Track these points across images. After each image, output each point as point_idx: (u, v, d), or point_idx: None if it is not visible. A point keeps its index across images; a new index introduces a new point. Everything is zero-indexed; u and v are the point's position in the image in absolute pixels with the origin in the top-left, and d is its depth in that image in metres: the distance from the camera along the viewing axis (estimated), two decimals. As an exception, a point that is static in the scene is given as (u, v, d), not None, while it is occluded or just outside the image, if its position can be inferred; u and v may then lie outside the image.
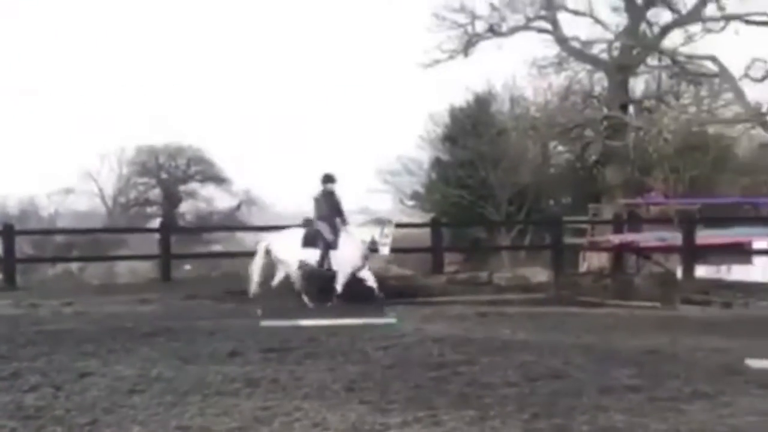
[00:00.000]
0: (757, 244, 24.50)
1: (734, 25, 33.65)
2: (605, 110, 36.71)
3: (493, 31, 36.02)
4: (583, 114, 38.03)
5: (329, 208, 19.11)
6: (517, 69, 39.41)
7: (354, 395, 9.33)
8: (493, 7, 35.87)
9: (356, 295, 18.73)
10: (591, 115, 37.73)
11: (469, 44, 35.73)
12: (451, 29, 35.77)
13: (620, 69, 36.18)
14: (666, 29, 35.88)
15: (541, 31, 36.29)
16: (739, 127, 38.39)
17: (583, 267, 28.76)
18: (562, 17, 36.23)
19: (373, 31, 69.62)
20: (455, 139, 38.20)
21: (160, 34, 69.75)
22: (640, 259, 27.74)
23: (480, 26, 35.94)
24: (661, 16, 36.41)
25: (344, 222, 19.18)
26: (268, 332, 13.79)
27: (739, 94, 33.10)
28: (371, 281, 18.96)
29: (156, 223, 42.48)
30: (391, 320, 15.49)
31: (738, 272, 23.28)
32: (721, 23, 34.15)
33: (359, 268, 18.94)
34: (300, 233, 19.24)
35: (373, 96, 70.04)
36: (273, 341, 12.71)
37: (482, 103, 38.83)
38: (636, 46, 36.24)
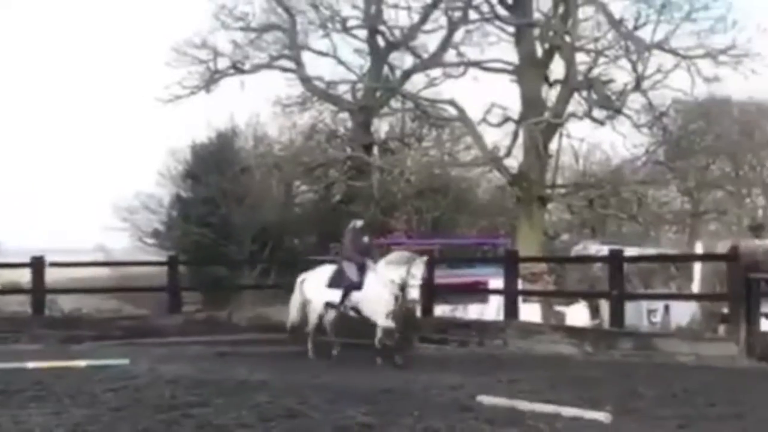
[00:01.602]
0: (493, 284, 25.04)
1: (473, 71, 34.69)
2: (349, 150, 37.05)
3: (236, 68, 35.78)
4: (327, 154, 38.23)
5: (355, 245, 17.78)
6: (261, 107, 39.28)
7: (78, 439, 8.72)
8: (236, 45, 35.67)
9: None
10: (335, 155, 37.97)
11: (211, 81, 35.33)
12: (193, 65, 35.30)
13: (363, 110, 36.64)
14: (408, 73, 36.61)
15: (285, 70, 36.30)
16: (478, 170, 39.57)
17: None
18: (307, 57, 36.41)
19: (109, 65, 68.00)
20: (197, 176, 37.53)
21: None
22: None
23: (222, 63, 35.65)
24: (404, 59, 37.20)
25: (373, 261, 17.66)
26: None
27: (478, 138, 34.07)
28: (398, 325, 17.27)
29: None
30: (124, 361, 14.95)
31: (474, 311, 23.77)
32: (461, 69, 35.10)
33: (391, 311, 17.16)
34: (330, 271, 18.06)
35: (111, 132, 68.46)
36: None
37: (225, 140, 38.37)
38: (379, 88, 36.78)
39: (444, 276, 24.42)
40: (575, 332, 19.15)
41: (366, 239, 18.19)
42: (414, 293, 17.28)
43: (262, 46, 36.13)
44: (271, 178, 38.35)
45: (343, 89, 36.95)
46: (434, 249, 29.21)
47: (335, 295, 17.65)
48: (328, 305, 17.91)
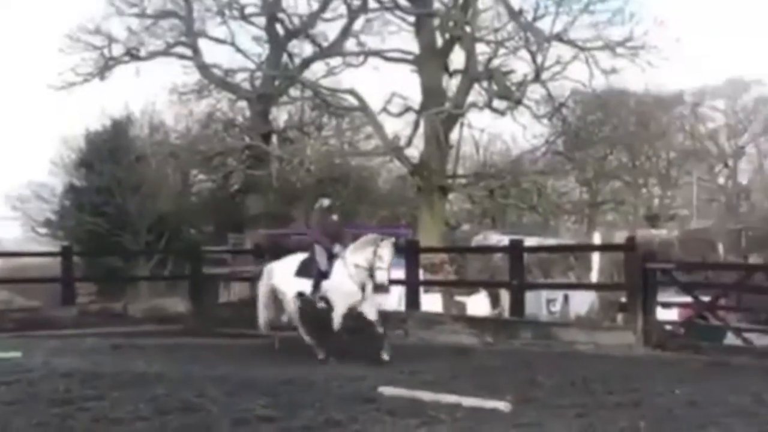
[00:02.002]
0: (394, 274, 25.00)
1: (373, 60, 34.59)
2: (247, 139, 36.62)
3: (132, 55, 35.15)
4: (224, 142, 37.80)
5: (323, 228, 16.58)
6: (157, 95, 38.69)
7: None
8: (131, 31, 35.02)
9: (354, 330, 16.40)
10: (232, 144, 37.55)
11: (105, 68, 34.65)
12: (87, 51, 34.55)
13: (262, 99, 36.28)
14: (308, 61, 36.37)
15: (181, 57, 35.75)
16: (378, 159, 39.54)
17: (223, 297, 28.42)
18: (204, 44, 35.90)
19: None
20: (91, 164, 36.79)
21: None
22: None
23: (117, 50, 34.99)
24: (303, 48, 36.94)
25: (343, 245, 16.24)
26: None
27: (378, 128, 33.98)
28: (372, 314, 16.03)
29: None
30: (16, 354, 14.51)
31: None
32: (361, 58, 35.00)
33: (358, 300, 15.91)
34: (299, 260, 16.70)
35: (1, 119, 66.51)
36: None
37: (119, 128, 37.66)
38: (278, 76, 36.46)
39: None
40: (476, 322, 19.23)
41: (335, 218, 16.80)
42: (383, 277, 15.75)
43: (158, 33, 35.59)
44: (168, 166, 37.86)
45: (241, 77, 36.59)
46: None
47: (306, 284, 16.30)
48: (300, 296, 16.49)
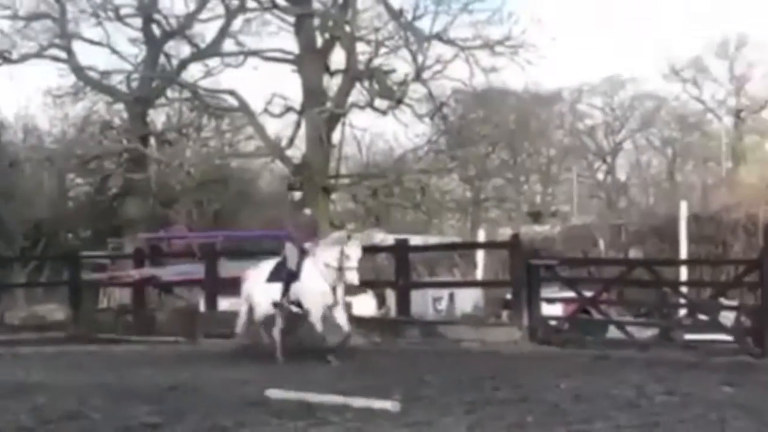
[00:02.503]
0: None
1: (253, 60, 34.30)
2: (125, 142, 35.93)
3: (4, 58, 34.22)
4: (101, 146, 37.13)
5: (295, 222, 15.38)
6: (31, 98, 37.75)
7: None
8: (3, 34, 34.15)
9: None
10: (110, 147, 36.88)
11: (-24, 71, 33.67)
12: (-44, 54, 33.56)
13: (139, 101, 35.61)
14: (185, 62, 35.87)
15: (55, 59, 34.92)
16: (260, 160, 39.23)
17: (103, 303, 27.91)
18: (79, 46, 35.13)
19: None
20: (-41, 171, 35.79)
21: None
22: (162, 294, 27.28)
23: (-12, 52, 34.00)
24: (181, 49, 36.39)
25: (315, 242, 15.07)
26: None
27: (259, 128, 33.73)
28: (341, 318, 15.01)
29: None
30: None
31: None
32: (240, 58, 34.68)
33: (331, 303, 14.81)
34: (272, 264, 15.54)
35: None
36: None
37: (-8, 134, 36.76)
38: (155, 78, 35.89)
39: (228, 269, 24.03)
40: (362, 322, 19.16)
41: (307, 212, 15.91)
42: (353, 277, 14.70)
43: (31, 35, 34.67)
44: (43, 171, 37.00)
45: (117, 79, 35.87)
46: (217, 242, 28.77)
47: (276, 290, 15.14)
48: (275, 305, 15.33)
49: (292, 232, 15.27)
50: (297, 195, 16.69)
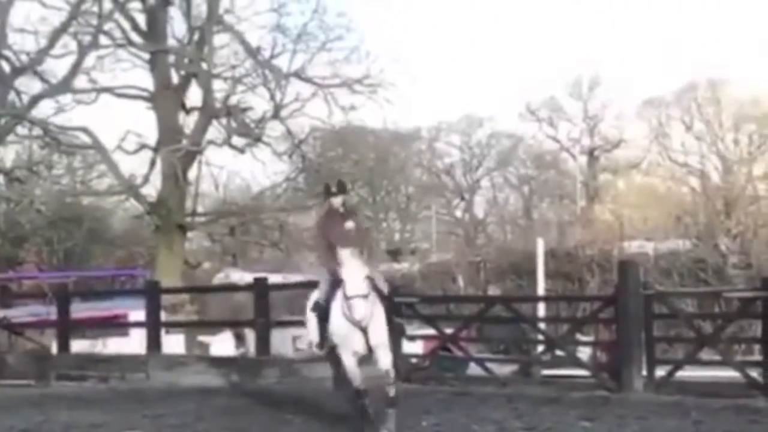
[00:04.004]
0: (134, 316, 24.31)
1: (106, 97, 33.62)
2: (-28, 181, 34.83)
3: None
4: (-52, 183, 35.84)
5: (331, 235, 11.32)
6: None
7: None
8: None
9: None
10: (-42, 185, 35.66)
11: None
12: None
13: (-12, 137, 34.54)
14: (36, 99, 34.86)
15: None
16: (113, 198, 38.42)
17: None
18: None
19: None
20: None
21: None
22: (12, 336, 26.44)
23: None
24: (31, 85, 35.37)
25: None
26: None
27: (113, 166, 33.10)
28: (385, 361, 11.03)
29: None
30: None
31: (115, 345, 23.05)
32: (93, 95, 33.96)
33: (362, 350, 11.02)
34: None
35: None
36: None
37: None
38: (4, 114, 34.81)
39: (81, 310, 23.45)
40: (221, 362, 18.91)
41: (351, 226, 11.24)
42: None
43: None
44: None
45: (-36, 116, 34.66)
46: (69, 282, 28.05)
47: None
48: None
49: (323, 254, 11.47)
50: (338, 201, 11.58)
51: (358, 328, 10.62)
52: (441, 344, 17.79)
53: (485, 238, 49.56)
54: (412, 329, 18.66)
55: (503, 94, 74.59)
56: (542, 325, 19.09)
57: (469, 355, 18.20)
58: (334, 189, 11.61)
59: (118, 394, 16.70)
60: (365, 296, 10.52)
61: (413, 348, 18.44)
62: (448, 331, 17.56)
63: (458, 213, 54.64)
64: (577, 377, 16.27)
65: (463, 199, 54.34)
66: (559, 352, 17.05)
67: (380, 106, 32.67)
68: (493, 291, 28.91)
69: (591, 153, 52.89)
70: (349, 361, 10.97)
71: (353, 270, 10.61)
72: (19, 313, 26.86)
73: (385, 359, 10.99)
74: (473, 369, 17.81)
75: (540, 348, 18.08)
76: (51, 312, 23.31)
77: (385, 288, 11.36)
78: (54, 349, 21.86)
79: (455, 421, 11.84)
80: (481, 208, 54.63)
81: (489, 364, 17.27)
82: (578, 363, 16.67)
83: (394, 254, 39.78)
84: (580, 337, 18.85)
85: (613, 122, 52.58)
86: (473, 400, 14.22)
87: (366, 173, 43.78)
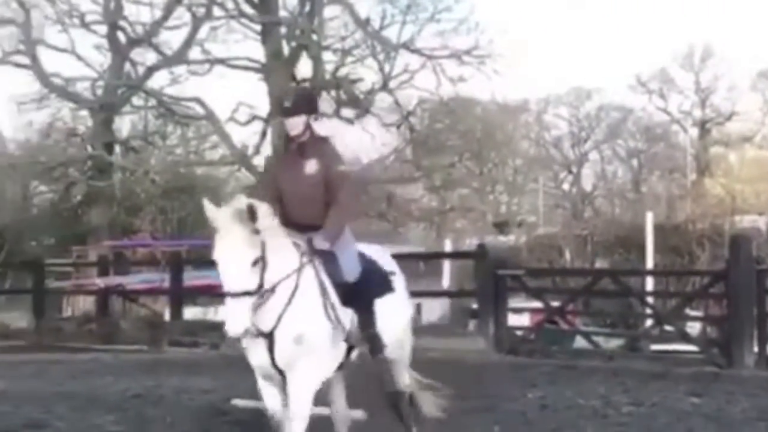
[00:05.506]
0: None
1: (219, 68, 34.11)
2: (89, 149, 35.70)
3: (-33, 63, 33.91)
4: (66, 153, 36.89)
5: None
6: (-4, 104, 37.65)
7: None
8: (-34, 39, 33.76)
9: None
10: (74, 155, 36.67)
11: (-61, 76, 33.37)
12: None
13: (104, 108, 35.38)
14: (151, 69, 35.59)
15: (19, 65, 34.58)
16: (225, 168, 39.06)
17: (67, 311, 27.72)
18: (44, 53, 34.82)
19: None
20: (-75, 177, 35.59)
21: None
22: (126, 302, 27.16)
23: (-49, 58, 33.64)
24: (146, 56, 36.14)
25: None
26: None
27: (225, 137, 33.59)
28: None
29: None
30: None
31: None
32: (206, 66, 34.47)
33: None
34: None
35: None
36: None
37: (-46, 140, 36.51)
38: (120, 85, 35.65)
39: (193, 278, 23.95)
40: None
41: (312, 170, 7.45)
42: None
43: (-5, 41, 34.32)
44: (6, 178, 36.69)
45: (82, 86, 35.62)
46: (182, 250, 28.63)
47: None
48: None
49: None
50: None
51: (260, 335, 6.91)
52: (547, 317, 17.81)
53: (592, 212, 49.20)
54: (517, 301, 18.75)
55: (612, 66, 73.72)
56: (650, 300, 18.96)
57: (576, 328, 18.19)
58: (286, 103, 7.49)
59: (228, 360, 17.00)
60: (250, 293, 6.59)
61: (519, 320, 18.50)
62: (555, 304, 17.57)
63: (566, 186, 54.31)
64: (686, 353, 16.16)
65: (570, 172, 53.96)
66: (667, 327, 16.93)
67: (488, 78, 32.60)
68: (600, 264, 28.68)
69: (702, 125, 52.05)
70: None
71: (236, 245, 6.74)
72: (133, 281, 27.62)
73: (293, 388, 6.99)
74: (579, 342, 17.79)
75: (648, 322, 17.97)
76: (164, 279, 23.91)
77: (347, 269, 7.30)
78: (167, 315, 22.39)
79: (561, 395, 11.76)
80: (589, 181, 54.23)
81: (595, 338, 17.25)
82: (687, 338, 16.54)
83: (501, 227, 39.62)
84: (689, 312, 18.67)
85: (725, 94, 51.68)
86: (579, 373, 14.17)
87: (473, 145, 43.69)
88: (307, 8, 32.95)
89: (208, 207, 6.98)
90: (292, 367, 6.92)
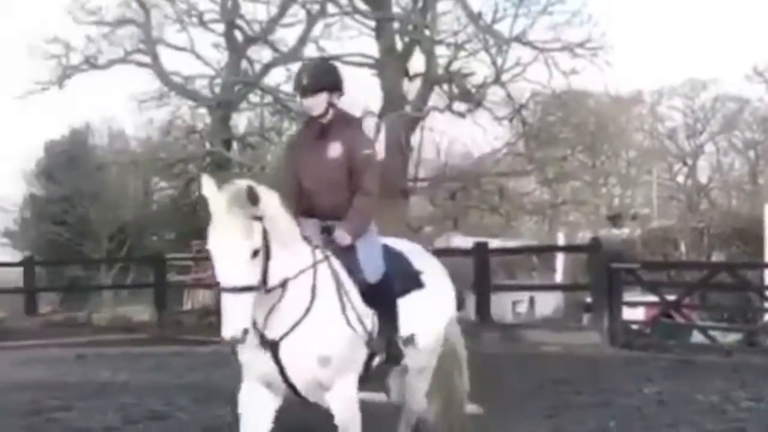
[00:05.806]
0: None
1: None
2: (208, 146, 36.43)
3: (90, 63, 34.77)
4: (185, 149, 37.61)
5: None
6: (117, 102, 38.55)
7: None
8: (90, 39, 34.60)
9: None
10: (193, 151, 37.36)
11: (63, 76, 34.22)
12: (45, 60, 34.18)
13: (222, 105, 36.02)
14: (267, 67, 36.10)
15: (140, 64, 35.42)
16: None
17: (187, 305, 28.29)
18: (163, 51, 35.61)
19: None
20: (51, 174, 36.58)
21: None
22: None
23: (75, 58, 34.47)
24: (263, 54, 36.66)
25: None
26: None
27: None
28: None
29: None
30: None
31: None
32: (321, 63, 34.74)
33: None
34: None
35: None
36: None
37: (78, 137, 37.44)
38: (237, 82, 36.25)
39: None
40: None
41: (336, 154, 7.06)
42: None
43: (116, 41, 35.14)
44: (128, 175, 37.56)
45: (200, 84, 36.23)
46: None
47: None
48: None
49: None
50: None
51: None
52: (663, 311, 17.69)
53: (708, 204, 48.35)
54: (632, 295, 18.65)
55: (728, 56, 72.09)
56: (769, 294, 18.69)
57: (693, 322, 18.04)
58: (305, 80, 6.98)
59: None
60: (251, 289, 5.97)
61: (634, 314, 18.41)
62: (670, 298, 17.44)
63: (680, 178, 53.43)
64: (807, 348, 15.93)
65: (685, 164, 53.05)
66: (787, 322, 16.71)
67: (601, 70, 32.24)
68: (716, 258, 28.28)
69: (821, 117, 50.70)
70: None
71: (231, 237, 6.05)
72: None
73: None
74: (696, 337, 17.63)
75: (767, 317, 17.75)
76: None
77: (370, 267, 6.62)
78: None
79: (678, 390, 11.69)
80: (704, 173, 53.26)
81: (713, 332, 17.09)
82: (807, 334, 16.31)
83: (614, 219, 39.20)
84: (808, 306, 18.36)
85: None
86: (696, 368, 14.06)
87: (586, 138, 43.26)
88: (420, 4, 33.03)
89: (207, 185, 5.91)
90: (316, 386, 6.32)
